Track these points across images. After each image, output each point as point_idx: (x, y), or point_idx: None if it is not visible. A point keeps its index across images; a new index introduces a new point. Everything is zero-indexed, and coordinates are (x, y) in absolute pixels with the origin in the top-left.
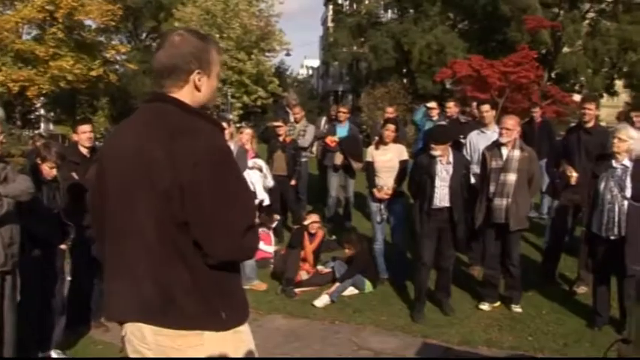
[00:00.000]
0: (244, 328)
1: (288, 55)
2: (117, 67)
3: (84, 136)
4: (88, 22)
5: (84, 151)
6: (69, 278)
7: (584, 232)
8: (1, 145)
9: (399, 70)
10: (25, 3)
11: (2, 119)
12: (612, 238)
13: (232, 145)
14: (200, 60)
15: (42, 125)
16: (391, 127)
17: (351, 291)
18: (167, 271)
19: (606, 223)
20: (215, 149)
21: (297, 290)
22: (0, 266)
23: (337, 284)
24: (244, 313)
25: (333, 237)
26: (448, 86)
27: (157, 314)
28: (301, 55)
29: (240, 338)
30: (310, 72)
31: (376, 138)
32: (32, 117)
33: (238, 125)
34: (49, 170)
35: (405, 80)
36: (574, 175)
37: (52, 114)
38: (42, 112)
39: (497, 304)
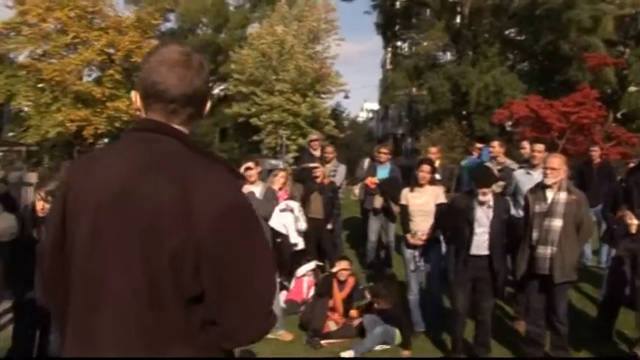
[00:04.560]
0: None
1: (346, 97)
2: None
3: None
4: None
5: None
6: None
7: None
8: None
9: (456, 112)
10: (87, 46)
11: None
12: None
13: (260, 187)
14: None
15: None
16: (426, 167)
17: (381, 347)
18: (160, 354)
19: None
20: (240, 202)
21: (323, 342)
22: None
23: (365, 340)
24: None
25: (371, 284)
26: (508, 128)
27: None
28: (362, 98)
29: None
30: (370, 115)
31: None
32: None
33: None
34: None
35: (463, 122)
36: (634, 223)
37: None
38: None
39: None
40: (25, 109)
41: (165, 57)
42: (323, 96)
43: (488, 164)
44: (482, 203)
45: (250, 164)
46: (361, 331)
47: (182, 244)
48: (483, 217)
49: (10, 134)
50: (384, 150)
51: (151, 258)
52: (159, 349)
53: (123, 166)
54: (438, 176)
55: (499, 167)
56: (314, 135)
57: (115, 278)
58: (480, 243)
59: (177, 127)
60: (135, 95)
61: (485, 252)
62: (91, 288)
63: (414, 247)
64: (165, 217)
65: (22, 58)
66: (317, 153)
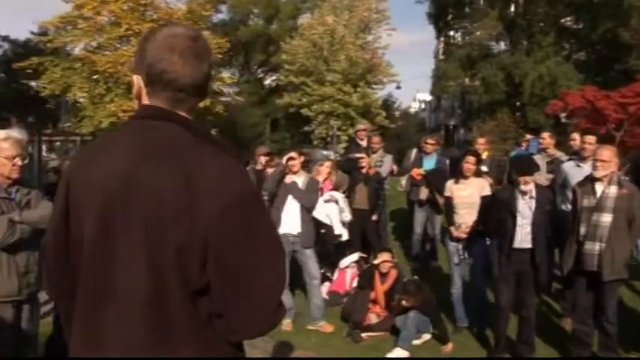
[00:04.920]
0: None
1: (398, 88)
2: (225, 98)
3: None
4: None
5: None
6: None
7: None
8: (22, 169)
9: (509, 103)
10: (139, 38)
11: (24, 142)
12: None
13: (302, 178)
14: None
15: None
16: (471, 159)
17: (419, 340)
18: (166, 352)
19: None
20: (246, 192)
21: (364, 335)
22: (14, 295)
23: (403, 333)
24: None
25: (415, 277)
26: (562, 120)
27: None
28: (414, 88)
29: None
30: (423, 105)
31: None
32: None
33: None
34: None
35: (517, 113)
36: None
37: None
38: None
39: None
40: (81, 100)
41: (174, 43)
42: (374, 86)
43: (537, 156)
44: (524, 193)
45: (293, 154)
46: (395, 330)
47: (187, 235)
48: (526, 209)
49: (67, 125)
50: (430, 141)
51: (156, 251)
52: (165, 347)
53: (127, 155)
54: (484, 168)
55: (548, 159)
56: (361, 125)
57: (121, 274)
58: (523, 236)
59: (182, 113)
60: (137, 80)
61: (529, 245)
62: (98, 284)
63: (457, 240)
64: (169, 207)
65: (77, 50)
66: (364, 143)
